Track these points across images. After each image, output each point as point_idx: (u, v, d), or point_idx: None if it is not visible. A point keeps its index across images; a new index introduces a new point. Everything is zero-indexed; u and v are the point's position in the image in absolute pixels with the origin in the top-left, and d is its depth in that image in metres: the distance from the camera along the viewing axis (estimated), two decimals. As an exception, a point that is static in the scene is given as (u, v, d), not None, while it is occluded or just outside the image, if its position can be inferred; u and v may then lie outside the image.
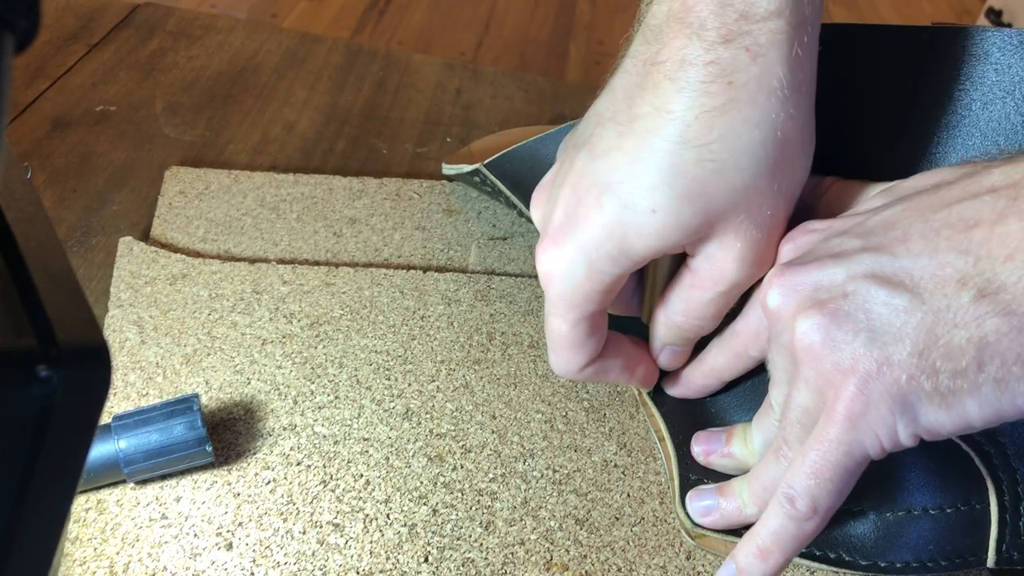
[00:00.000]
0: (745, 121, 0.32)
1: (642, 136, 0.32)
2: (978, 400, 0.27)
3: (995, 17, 2.10)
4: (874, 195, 0.34)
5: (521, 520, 0.39)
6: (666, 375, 0.42)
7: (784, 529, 0.32)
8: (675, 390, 0.42)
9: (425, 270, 0.50)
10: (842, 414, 0.29)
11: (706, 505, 0.37)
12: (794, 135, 0.33)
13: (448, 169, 0.55)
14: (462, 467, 0.40)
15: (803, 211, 0.36)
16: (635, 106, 0.33)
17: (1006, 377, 0.27)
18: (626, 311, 0.40)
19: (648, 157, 0.32)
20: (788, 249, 0.34)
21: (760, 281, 0.35)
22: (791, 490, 0.31)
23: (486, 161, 0.50)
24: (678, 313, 0.37)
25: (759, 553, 0.32)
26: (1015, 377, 0.26)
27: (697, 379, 0.41)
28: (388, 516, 0.38)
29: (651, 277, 0.39)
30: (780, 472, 0.33)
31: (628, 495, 0.40)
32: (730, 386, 0.41)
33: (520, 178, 0.49)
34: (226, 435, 0.40)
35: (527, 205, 0.50)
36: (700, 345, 0.40)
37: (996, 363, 0.27)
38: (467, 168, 0.52)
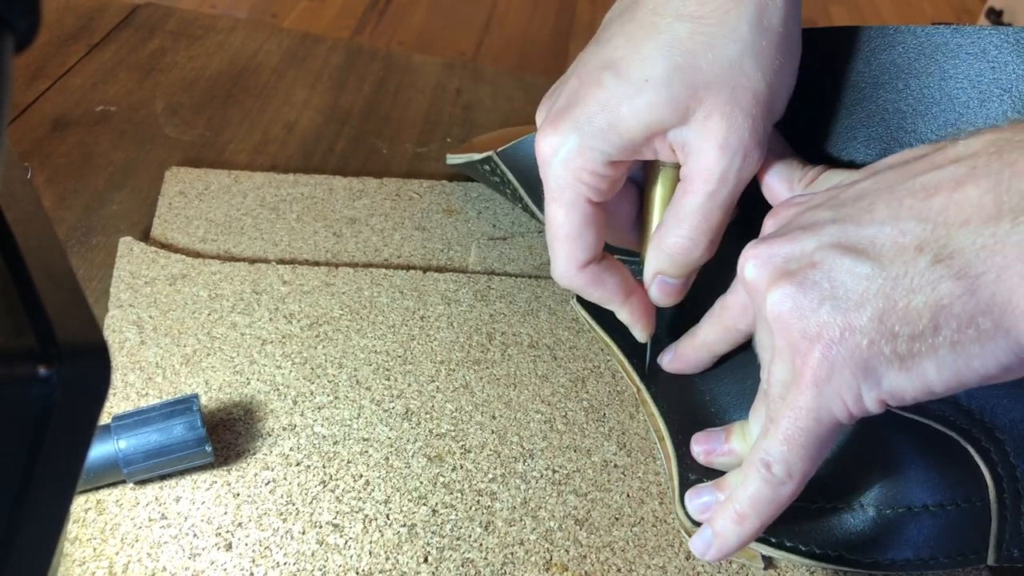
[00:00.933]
0: (736, 1, 0.35)
1: (644, 17, 0.36)
2: (936, 363, 0.28)
3: (995, 17, 2.10)
4: (854, 172, 0.35)
5: (521, 520, 0.39)
6: (663, 353, 0.43)
7: (761, 493, 0.32)
8: (670, 364, 0.43)
9: (425, 270, 0.50)
10: (809, 380, 0.30)
11: (704, 502, 0.37)
12: (777, 24, 0.35)
13: (453, 159, 0.55)
14: (462, 467, 0.40)
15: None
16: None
17: (961, 340, 0.27)
18: (624, 242, 0.42)
19: (648, 35, 0.36)
20: (771, 223, 0.35)
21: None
22: (767, 455, 0.31)
23: (499, 149, 0.50)
24: (671, 231, 0.38)
25: (736, 517, 0.33)
26: (970, 339, 0.27)
27: (690, 353, 0.42)
28: (388, 516, 0.38)
29: (647, 207, 0.40)
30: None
31: (628, 495, 0.40)
32: (728, 384, 0.41)
33: (528, 169, 0.49)
34: (226, 435, 0.40)
35: (533, 198, 0.50)
36: (693, 323, 0.41)
37: (952, 326, 0.27)
38: (477, 156, 0.52)
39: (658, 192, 0.40)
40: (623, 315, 0.42)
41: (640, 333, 0.43)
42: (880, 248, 0.29)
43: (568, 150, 0.37)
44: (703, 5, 0.35)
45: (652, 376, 0.44)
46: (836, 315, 0.29)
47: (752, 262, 0.32)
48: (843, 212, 0.31)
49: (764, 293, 0.31)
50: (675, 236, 0.38)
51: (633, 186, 0.42)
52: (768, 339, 0.33)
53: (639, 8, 0.36)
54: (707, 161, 0.36)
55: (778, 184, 0.38)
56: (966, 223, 0.27)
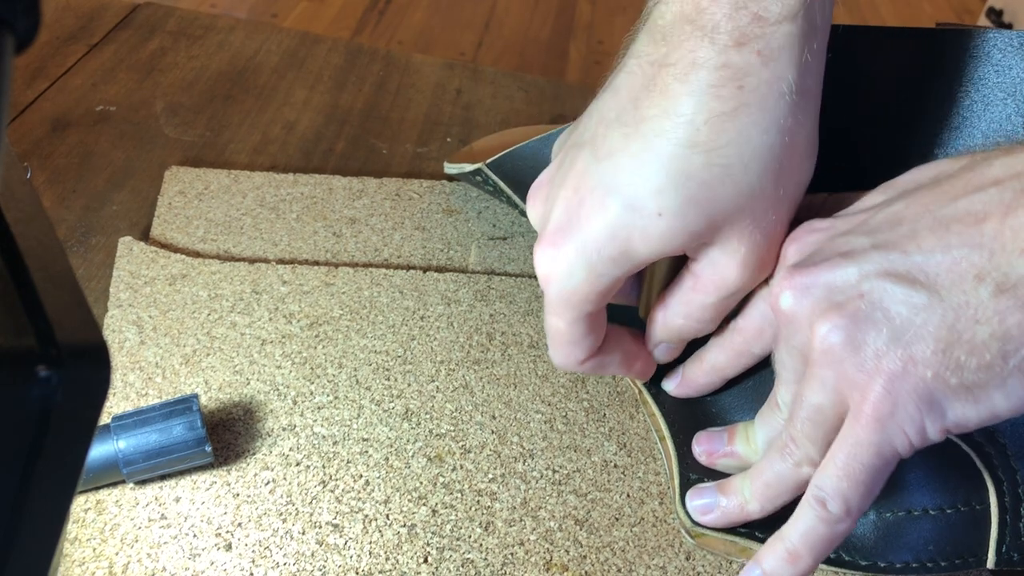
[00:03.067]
0: (755, 125, 0.31)
1: (649, 139, 0.32)
2: (1004, 392, 0.28)
3: (996, 17, 2.10)
4: (873, 191, 0.34)
5: (521, 520, 0.39)
6: (667, 374, 0.42)
7: (815, 531, 0.31)
8: (677, 389, 0.42)
9: (425, 270, 0.50)
10: (870, 415, 0.29)
11: (706, 503, 0.37)
12: (801, 140, 0.33)
13: (450, 168, 0.55)
14: (462, 467, 0.40)
15: (796, 226, 0.36)
16: (642, 108, 0.33)
17: None
18: (624, 301, 0.40)
19: (656, 160, 0.32)
20: (794, 250, 0.34)
21: (766, 280, 0.35)
22: (822, 492, 0.31)
23: (488, 161, 0.50)
24: (678, 316, 0.37)
25: (788, 557, 0.32)
26: None
27: (699, 377, 0.40)
28: (388, 516, 0.38)
29: (649, 275, 0.39)
30: (785, 469, 0.33)
31: (628, 495, 0.40)
32: (731, 385, 0.41)
33: (521, 177, 0.49)
34: (225, 435, 0.40)
35: None
36: (701, 341, 0.40)
37: (1021, 354, 0.27)
38: (469, 167, 0.52)
39: (664, 263, 0.38)
40: (628, 376, 0.41)
41: (641, 380, 0.43)
42: (934, 277, 0.28)
43: (574, 277, 0.34)
44: (718, 134, 0.31)
45: (653, 376, 0.44)
46: (896, 347, 0.28)
47: (790, 292, 0.31)
48: (881, 238, 0.30)
49: (809, 325, 0.30)
50: (683, 320, 0.37)
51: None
52: (793, 363, 0.32)
53: (643, 123, 0.33)
54: (723, 274, 0.34)
55: None
56: None
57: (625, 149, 0.33)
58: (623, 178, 0.33)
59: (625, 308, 0.40)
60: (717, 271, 0.34)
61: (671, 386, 0.42)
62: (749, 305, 0.37)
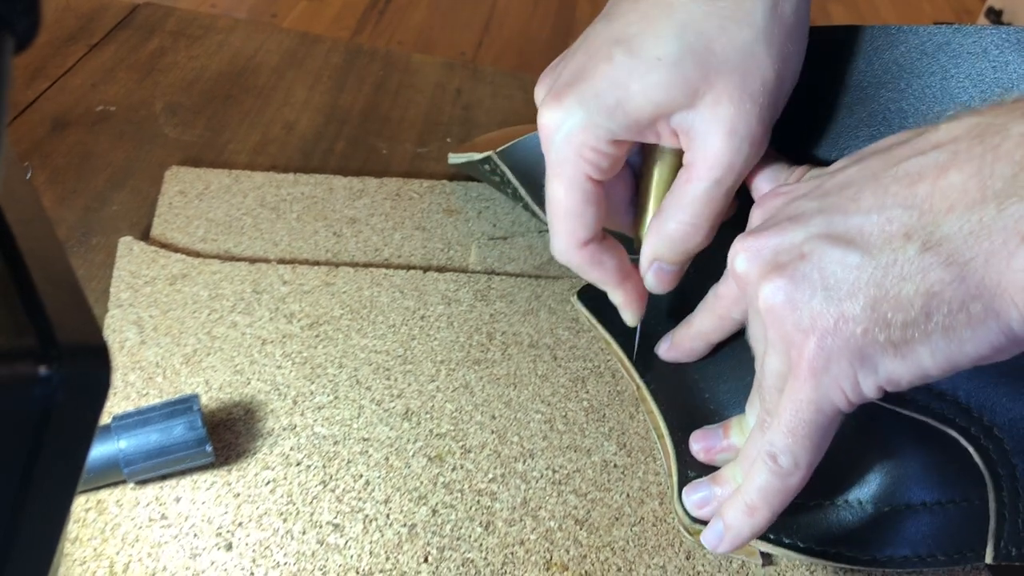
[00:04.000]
0: None
1: None
2: (930, 348, 0.28)
3: (995, 17, 2.10)
4: (840, 160, 0.35)
5: (521, 520, 0.39)
6: (659, 343, 0.43)
7: (769, 485, 0.33)
8: (668, 353, 0.43)
9: (425, 270, 0.50)
10: (806, 371, 0.30)
11: (702, 496, 0.37)
12: (790, 12, 0.35)
13: (455, 159, 0.55)
14: (462, 467, 0.40)
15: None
16: None
17: (953, 325, 0.28)
18: (618, 225, 0.42)
19: (662, 13, 0.35)
20: (759, 214, 0.35)
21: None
22: (772, 447, 0.32)
23: (499, 149, 0.50)
24: (671, 217, 0.38)
25: (746, 509, 0.33)
26: (961, 324, 0.27)
27: (686, 342, 0.42)
28: (388, 516, 0.38)
29: (644, 190, 0.40)
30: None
31: (628, 495, 0.40)
32: (726, 381, 0.41)
33: (529, 169, 0.49)
34: (226, 435, 0.40)
35: (533, 196, 0.50)
36: (688, 311, 0.42)
37: (943, 311, 0.27)
38: (478, 156, 0.52)
39: (656, 176, 0.40)
40: (616, 298, 0.42)
41: (631, 317, 0.43)
42: (868, 237, 0.29)
43: (572, 125, 0.36)
44: None
45: (652, 374, 0.44)
46: (829, 306, 0.29)
47: (742, 255, 0.32)
48: (829, 202, 0.31)
49: (756, 286, 0.31)
50: (676, 222, 0.38)
51: (628, 169, 0.41)
52: (761, 331, 0.33)
53: None
54: (713, 148, 0.36)
55: (766, 185, 0.38)
56: (952, 209, 0.27)
57: (635, 8, 0.36)
58: (631, 30, 0.36)
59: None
60: (706, 147, 0.36)
61: (662, 350, 0.43)
62: (727, 270, 0.37)
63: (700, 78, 0.35)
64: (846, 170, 0.32)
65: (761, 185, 0.38)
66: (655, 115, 0.36)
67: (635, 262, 0.41)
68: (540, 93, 0.40)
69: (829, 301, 0.29)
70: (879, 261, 0.28)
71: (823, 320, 0.29)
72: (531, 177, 0.49)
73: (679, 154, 0.38)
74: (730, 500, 0.34)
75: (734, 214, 0.40)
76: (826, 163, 0.37)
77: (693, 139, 0.36)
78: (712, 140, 0.35)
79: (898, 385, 0.30)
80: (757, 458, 0.33)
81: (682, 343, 0.42)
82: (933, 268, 0.27)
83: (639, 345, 0.45)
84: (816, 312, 0.29)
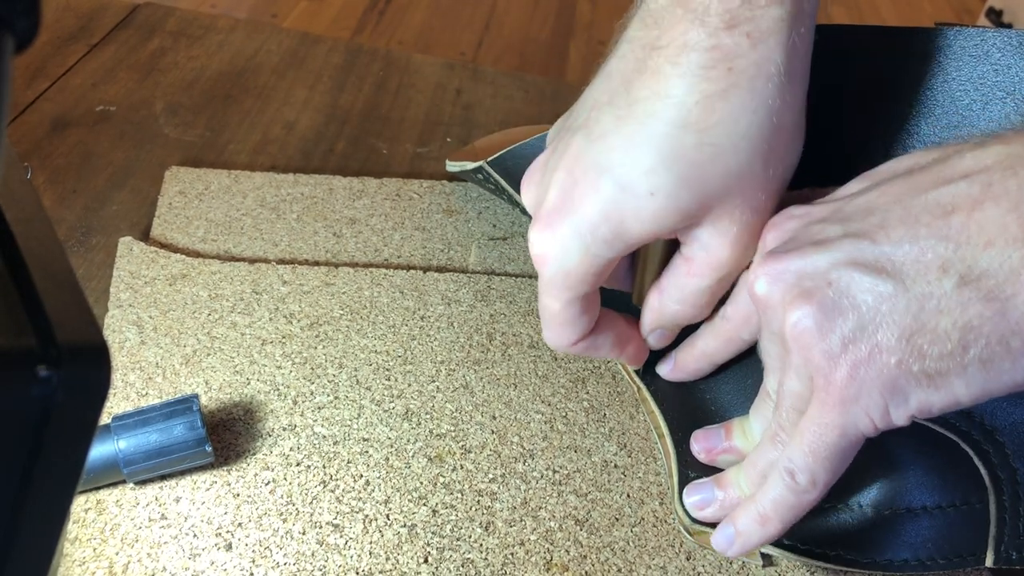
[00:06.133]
0: (744, 107, 0.32)
1: (641, 120, 0.33)
2: (965, 380, 0.28)
3: (996, 17, 2.10)
4: (853, 181, 0.35)
5: (521, 520, 0.39)
6: (659, 360, 0.43)
7: (784, 499, 0.33)
8: (671, 374, 0.43)
9: (425, 270, 0.50)
10: (835, 399, 0.30)
11: (703, 498, 0.37)
12: (788, 121, 0.33)
13: (452, 166, 0.55)
14: (462, 467, 0.40)
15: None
16: (634, 90, 0.33)
17: (991, 357, 0.27)
18: (618, 286, 0.41)
19: (648, 141, 0.33)
20: (772, 236, 0.35)
21: (750, 265, 0.36)
22: (791, 464, 0.32)
23: (489, 159, 0.50)
24: (673, 301, 0.37)
25: (759, 519, 0.33)
26: (998, 356, 0.27)
27: (690, 363, 0.42)
28: (388, 516, 0.38)
29: (643, 260, 0.39)
30: (777, 457, 0.34)
31: (628, 496, 0.40)
32: (728, 382, 0.41)
33: (522, 175, 0.49)
34: (226, 435, 0.40)
35: None
36: (694, 326, 0.40)
37: (980, 344, 0.27)
38: (471, 165, 0.52)
39: (657, 248, 0.38)
40: (620, 360, 0.42)
41: (633, 365, 0.43)
42: (900, 267, 0.29)
43: (568, 260, 0.35)
44: (709, 114, 0.32)
45: (652, 375, 0.44)
46: (862, 335, 0.29)
47: (763, 278, 0.32)
48: (853, 227, 0.31)
49: (781, 311, 0.31)
50: (677, 306, 0.37)
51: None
52: (776, 350, 0.33)
53: (635, 104, 0.33)
54: (716, 254, 0.35)
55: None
56: (990, 244, 0.27)
57: (618, 131, 0.33)
58: (616, 158, 0.33)
59: (619, 295, 0.40)
60: (711, 253, 0.35)
61: (664, 370, 0.43)
62: (736, 292, 0.37)
63: (697, 208, 0.33)
64: (866, 194, 0.32)
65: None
66: (654, 237, 0.35)
67: (636, 311, 0.40)
68: (527, 200, 0.38)
69: (862, 330, 0.29)
70: (914, 292, 0.28)
71: (856, 350, 0.29)
72: None
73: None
74: (743, 507, 0.34)
75: None
76: (826, 173, 0.37)
77: (694, 241, 0.35)
78: (715, 248, 0.35)
79: (929, 413, 0.29)
80: (773, 471, 0.33)
81: (686, 364, 0.42)
82: (972, 303, 0.27)
83: None
84: (848, 340, 0.29)
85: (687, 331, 0.41)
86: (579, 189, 0.34)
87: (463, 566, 0.37)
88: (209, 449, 0.37)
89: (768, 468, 0.34)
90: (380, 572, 0.36)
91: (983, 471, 0.35)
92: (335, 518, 0.38)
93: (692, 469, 0.39)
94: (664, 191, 0.33)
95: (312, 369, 0.44)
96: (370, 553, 0.37)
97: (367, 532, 0.37)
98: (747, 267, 0.36)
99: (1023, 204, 0.27)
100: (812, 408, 0.31)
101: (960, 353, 0.28)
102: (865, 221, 0.31)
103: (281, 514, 0.38)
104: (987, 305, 0.27)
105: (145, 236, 0.51)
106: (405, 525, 0.38)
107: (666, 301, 0.38)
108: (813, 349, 0.30)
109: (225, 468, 0.39)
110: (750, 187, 0.34)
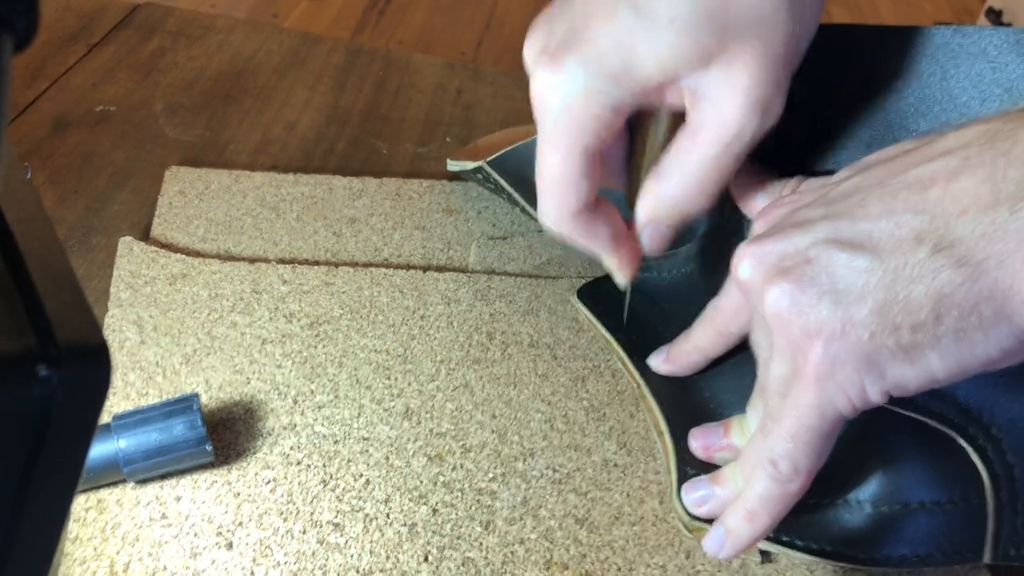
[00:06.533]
0: None
1: None
2: (939, 352, 0.28)
3: (995, 17, 2.09)
4: (843, 169, 0.35)
5: (521, 519, 0.39)
6: (653, 355, 0.43)
7: (769, 492, 0.32)
8: (662, 366, 0.43)
9: (425, 270, 0.51)
10: (811, 376, 0.30)
11: (701, 495, 0.37)
12: None
13: (453, 165, 0.56)
14: (462, 467, 0.41)
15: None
16: None
17: (964, 327, 0.27)
18: (613, 183, 0.39)
19: None
20: (761, 224, 0.34)
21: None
22: (772, 453, 0.32)
23: (489, 159, 0.50)
24: (673, 182, 0.36)
25: (747, 515, 0.33)
26: (972, 327, 0.27)
27: (682, 357, 0.42)
28: (388, 515, 0.38)
29: (640, 147, 0.38)
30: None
31: (628, 494, 0.40)
32: (727, 380, 0.41)
33: (523, 175, 0.49)
34: (226, 435, 0.40)
35: (529, 202, 0.51)
36: (687, 323, 0.41)
37: (953, 314, 0.27)
38: (471, 165, 0.52)
39: (656, 135, 0.37)
40: (609, 261, 0.39)
41: (623, 279, 0.40)
42: (877, 241, 0.29)
43: (572, 93, 0.33)
44: None
45: (652, 372, 0.44)
46: (836, 310, 0.29)
47: (746, 262, 0.32)
48: (835, 209, 0.31)
49: (761, 292, 0.31)
50: (679, 186, 0.36)
51: (625, 126, 0.38)
52: (765, 338, 0.33)
53: None
54: (726, 113, 0.33)
55: (763, 203, 0.37)
56: (964, 212, 0.27)
57: None
58: None
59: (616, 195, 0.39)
60: (718, 112, 0.34)
61: (656, 362, 0.43)
62: (727, 284, 0.37)
63: (715, 42, 0.32)
64: (851, 179, 0.32)
65: (758, 203, 0.38)
66: (665, 79, 0.33)
67: (628, 219, 0.39)
68: (531, 50, 0.36)
69: (836, 305, 0.29)
70: (888, 264, 0.28)
71: (830, 324, 0.29)
72: (525, 183, 0.49)
73: (679, 114, 0.36)
74: (732, 506, 0.34)
75: (736, 229, 0.40)
76: (823, 170, 0.37)
77: (702, 100, 0.34)
78: (725, 104, 0.33)
79: (905, 390, 0.29)
80: (757, 464, 0.33)
81: (679, 358, 0.42)
82: (944, 269, 0.27)
83: (639, 344, 0.45)
84: (823, 316, 0.29)
85: (680, 316, 0.41)
86: (592, 20, 0.33)
87: (463, 565, 0.37)
88: (209, 448, 0.37)
89: (759, 462, 0.34)
90: (380, 571, 0.36)
91: (981, 467, 0.35)
92: (335, 517, 0.38)
93: (691, 466, 0.39)
94: (684, 18, 0.32)
95: (312, 368, 0.44)
96: (370, 552, 0.37)
97: (367, 531, 0.37)
98: (755, 151, 0.35)
99: (997, 173, 0.27)
100: (792, 390, 0.31)
101: (933, 324, 0.27)
102: (846, 202, 0.31)
103: (281, 513, 0.38)
104: (958, 271, 0.27)
105: (145, 236, 0.51)
106: (405, 524, 0.38)
107: (665, 185, 0.36)
108: (792, 326, 0.30)
109: (225, 467, 0.39)
110: (767, 30, 0.33)
